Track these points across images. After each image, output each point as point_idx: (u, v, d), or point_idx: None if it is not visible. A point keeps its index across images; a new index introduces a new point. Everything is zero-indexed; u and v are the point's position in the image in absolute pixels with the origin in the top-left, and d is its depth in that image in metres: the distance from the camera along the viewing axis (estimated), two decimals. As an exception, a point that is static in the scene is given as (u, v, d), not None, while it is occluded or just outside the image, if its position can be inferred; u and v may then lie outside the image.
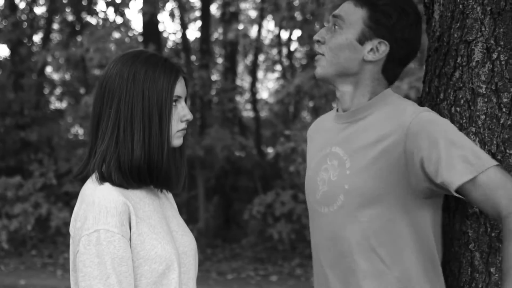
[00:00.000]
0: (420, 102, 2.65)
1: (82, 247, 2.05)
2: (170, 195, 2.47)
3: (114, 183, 2.13)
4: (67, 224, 11.31)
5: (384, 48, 2.35)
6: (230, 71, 15.36)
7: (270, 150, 13.54)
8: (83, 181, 2.23)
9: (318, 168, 2.48)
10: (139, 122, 2.14)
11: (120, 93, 2.15)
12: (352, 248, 2.33)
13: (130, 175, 2.15)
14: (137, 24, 24.00)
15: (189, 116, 2.25)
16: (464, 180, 2.11)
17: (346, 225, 2.34)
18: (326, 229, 2.42)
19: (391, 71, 2.42)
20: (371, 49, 2.35)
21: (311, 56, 13.63)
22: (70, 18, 15.87)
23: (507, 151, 2.30)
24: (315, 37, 2.40)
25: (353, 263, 2.33)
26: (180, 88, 2.22)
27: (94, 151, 2.20)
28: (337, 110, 2.53)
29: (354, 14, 2.34)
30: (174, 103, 2.21)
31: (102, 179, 2.14)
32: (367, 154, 2.30)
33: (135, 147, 2.14)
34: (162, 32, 14.37)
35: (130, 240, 2.10)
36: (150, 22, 13.02)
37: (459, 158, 2.13)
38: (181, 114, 2.24)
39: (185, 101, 2.29)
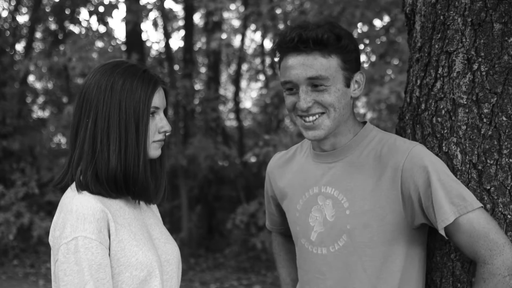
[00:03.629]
0: (402, 112, 2.66)
1: (62, 255, 2.04)
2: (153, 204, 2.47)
3: (92, 192, 2.13)
4: (49, 233, 11.22)
5: (362, 77, 2.41)
6: (213, 80, 15.34)
7: (252, 159, 13.53)
8: (63, 190, 2.23)
9: (308, 209, 2.48)
10: (115, 133, 2.14)
11: (97, 103, 2.15)
12: (355, 285, 2.35)
13: (107, 184, 2.15)
14: (120, 33, 23.96)
15: (167, 128, 2.25)
16: (450, 221, 2.16)
17: (349, 265, 2.36)
18: (326, 270, 2.42)
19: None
20: (353, 85, 2.39)
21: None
22: (53, 27, 15.81)
23: (488, 161, 2.32)
24: (305, 106, 2.31)
25: None
26: (158, 99, 2.22)
27: (72, 161, 2.20)
28: (313, 149, 2.53)
29: (330, 67, 2.30)
30: (152, 115, 2.21)
31: (81, 187, 2.14)
32: (367, 195, 2.33)
33: (111, 157, 2.14)
34: (145, 41, 14.32)
35: (110, 247, 2.10)
36: (133, 31, 12.98)
37: (446, 198, 2.17)
38: (159, 126, 2.24)
39: (165, 112, 2.29)
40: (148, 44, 14.81)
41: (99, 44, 13.17)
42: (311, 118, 2.34)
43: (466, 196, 2.18)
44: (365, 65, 9.43)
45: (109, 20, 13.65)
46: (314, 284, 2.47)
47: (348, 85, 2.36)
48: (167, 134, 2.29)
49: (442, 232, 2.20)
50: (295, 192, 2.56)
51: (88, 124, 2.16)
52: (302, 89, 2.31)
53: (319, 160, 2.49)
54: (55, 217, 2.16)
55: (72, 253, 2.03)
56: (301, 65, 2.30)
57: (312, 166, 2.52)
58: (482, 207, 2.18)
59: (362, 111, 10.37)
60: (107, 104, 2.15)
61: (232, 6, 14.62)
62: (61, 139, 14.55)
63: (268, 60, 16.44)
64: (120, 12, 26.62)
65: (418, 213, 2.26)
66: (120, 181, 2.16)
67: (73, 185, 2.17)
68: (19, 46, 16.01)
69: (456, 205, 2.17)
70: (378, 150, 2.37)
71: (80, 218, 2.06)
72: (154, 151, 2.25)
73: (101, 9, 12.44)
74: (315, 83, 2.30)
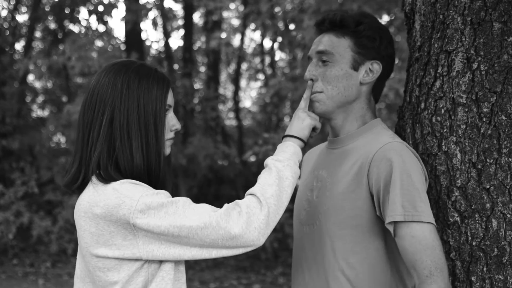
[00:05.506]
0: (401, 111, 2.66)
1: (144, 221, 2.06)
2: None
3: None
4: (48, 233, 11.24)
5: (378, 67, 2.43)
6: (212, 79, 15.35)
7: (251, 158, 13.54)
8: (80, 190, 2.23)
9: (305, 189, 2.56)
10: (135, 130, 2.17)
11: (113, 101, 2.17)
12: (325, 267, 2.38)
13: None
14: (119, 32, 23.91)
15: (178, 126, 2.30)
16: (396, 219, 2.17)
17: (322, 245, 2.39)
18: (307, 248, 2.47)
19: (378, 89, 2.51)
20: (365, 72, 2.42)
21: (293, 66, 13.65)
22: (53, 26, 15.81)
23: (487, 160, 2.32)
24: (307, 76, 2.45)
25: (326, 284, 2.38)
26: (170, 98, 2.28)
27: (86, 159, 2.21)
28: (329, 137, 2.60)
29: (340, 46, 2.41)
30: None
31: (108, 180, 2.15)
32: (344, 178, 2.36)
33: (135, 154, 2.17)
34: (145, 40, 14.34)
35: None
36: (133, 31, 12.99)
37: (399, 197, 2.18)
38: (170, 124, 2.29)
39: (174, 111, 2.33)
40: (147, 43, 14.85)
41: (99, 43, 13.18)
42: (313, 95, 2.46)
43: (418, 207, 2.18)
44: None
45: (108, 19, 13.65)
46: (299, 257, 2.54)
47: (355, 69, 2.42)
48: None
49: (389, 227, 2.21)
50: (303, 174, 2.68)
51: (103, 121, 2.17)
52: (312, 62, 2.47)
53: (328, 145, 2.57)
54: (85, 207, 2.15)
55: (156, 209, 2.06)
56: (317, 42, 2.47)
57: (324, 152, 2.60)
58: (433, 224, 2.19)
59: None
60: (125, 102, 2.17)
61: (232, 5, 14.64)
62: (60, 139, 14.55)
63: (267, 59, 16.45)
64: (120, 11, 26.63)
65: (377, 203, 2.28)
66: (144, 178, 2.19)
67: (95, 182, 2.17)
68: (19, 45, 16.01)
69: (405, 209, 2.17)
70: (368, 140, 2.40)
71: (131, 185, 2.10)
72: (167, 149, 2.29)
73: (100, 8, 12.47)
74: (323, 58, 2.43)
